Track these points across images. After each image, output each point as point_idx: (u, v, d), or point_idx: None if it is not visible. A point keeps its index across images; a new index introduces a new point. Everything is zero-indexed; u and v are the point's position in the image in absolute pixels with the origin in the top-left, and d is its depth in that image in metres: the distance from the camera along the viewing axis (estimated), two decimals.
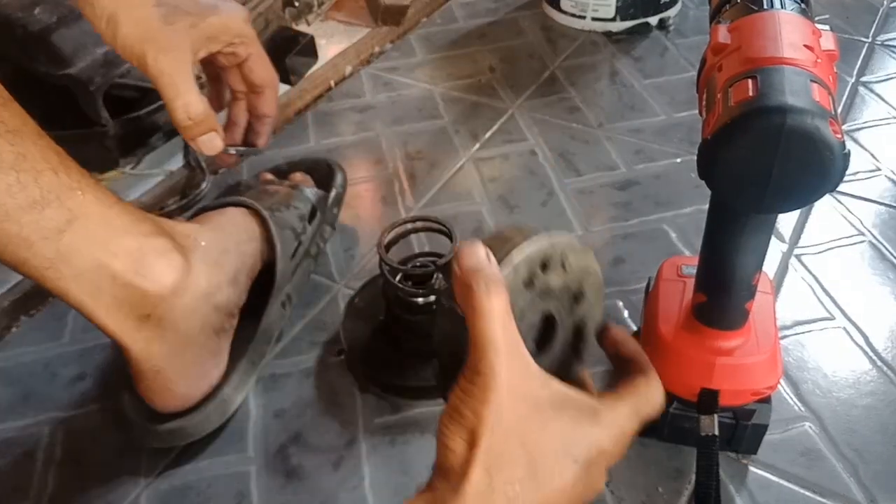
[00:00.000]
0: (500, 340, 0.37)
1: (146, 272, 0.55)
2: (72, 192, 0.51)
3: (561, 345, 0.47)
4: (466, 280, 0.38)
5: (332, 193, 0.80)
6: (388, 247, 0.64)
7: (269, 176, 0.79)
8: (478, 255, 0.39)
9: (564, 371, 0.48)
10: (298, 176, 0.80)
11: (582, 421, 0.40)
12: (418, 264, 0.66)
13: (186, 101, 0.59)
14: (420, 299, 0.64)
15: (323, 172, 0.82)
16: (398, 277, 0.64)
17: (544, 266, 0.45)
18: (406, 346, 0.67)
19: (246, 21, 0.64)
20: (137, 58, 0.57)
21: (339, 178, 0.82)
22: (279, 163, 0.85)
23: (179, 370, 0.60)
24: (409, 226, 0.68)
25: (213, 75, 0.71)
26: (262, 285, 0.68)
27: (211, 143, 0.63)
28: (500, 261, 0.42)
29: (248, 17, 0.64)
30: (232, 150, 0.71)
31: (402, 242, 0.68)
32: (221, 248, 0.62)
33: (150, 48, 0.56)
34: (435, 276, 0.64)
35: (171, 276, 0.57)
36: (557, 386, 0.41)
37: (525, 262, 0.44)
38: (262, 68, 0.67)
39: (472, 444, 0.37)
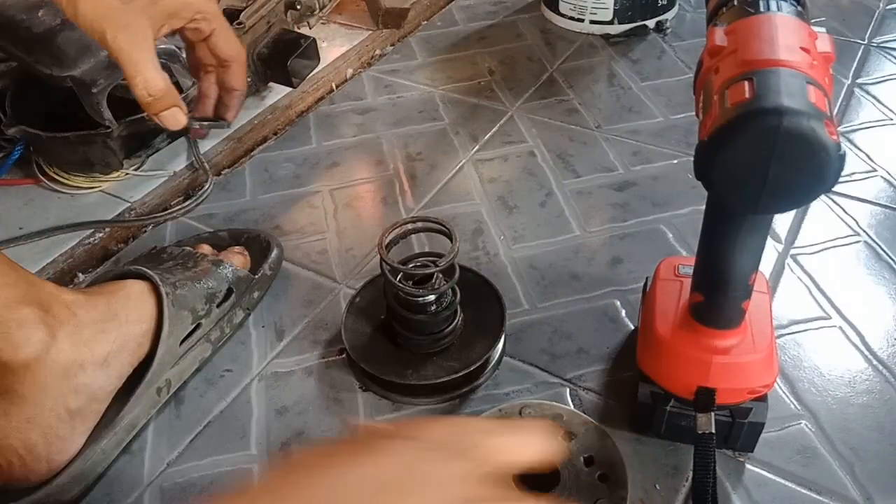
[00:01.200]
0: None
1: (0, 341, 0.53)
2: None
3: (572, 476, 0.57)
4: None
5: (257, 275, 0.74)
6: (388, 247, 0.65)
7: (205, 247, 0.74)
8: None
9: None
10: (236, 250, 0.75)
11: None
12: (419, 264, 0.67)
13: (145, 77, 0.58)
14: (420, 299, 0.65)
15: (261, 247, 0.78)
16: (399, 277, 0.65)
17: None
18: (406, 345, 0.68)
19: None
20: (98, 35, 0.56)
21: (272, 256, 0.77)
22: (221, 231, 0.81)
23: (20, 447, 0.56)
24: (410, 226, 0.68)
25: (190, 45, 0.70)
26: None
27: (174, 119, 0.61)
28: None
29: None
30: (197, 125, 0.69)
31: (402, 242, 0.69)
32: (99, 327, 0.59)
33: (109, 26, 0.55)
34: (435, 276, 0.65)
35: (27, 349, 0.54)
36: None
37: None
38: (226, 43, 0.66)
39: None
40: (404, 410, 0.67)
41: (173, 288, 0.65)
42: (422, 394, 0.67)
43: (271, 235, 0.80)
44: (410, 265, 0.67)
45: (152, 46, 0.58)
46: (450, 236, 0.65)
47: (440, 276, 0.65)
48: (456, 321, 0.68)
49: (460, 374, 0.66)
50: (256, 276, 0.74)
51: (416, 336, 0.67)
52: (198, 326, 0.67)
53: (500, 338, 0.69)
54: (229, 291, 0.71)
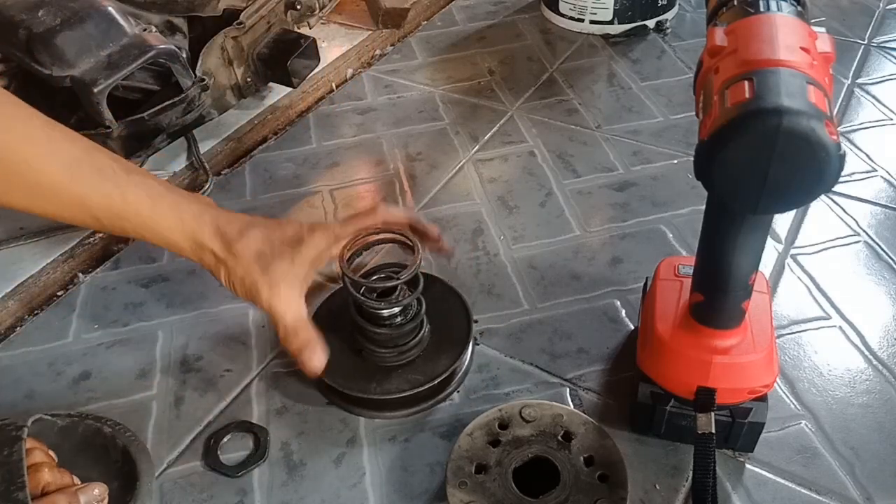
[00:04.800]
0: None
1: None
2: None
3: (572, 476, 0.57)
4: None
5: None
6: (350, 260, 0.63)
7: (43, 472, 0.55)
8: None
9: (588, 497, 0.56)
10: (87, 497, 0.56)
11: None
12: (382, 276, 0.66)
13: (285, 325, 0.61)
14: (384, 311, 0.64)
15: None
16: (362, 290, 0.64)
17: (504, 426, 0.59)
18: (370, 359, 0.67)
19: (323, 230, 0.63)
20: (251, 301, 0.62)
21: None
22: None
23: None
24: (373, 238, 0.66)
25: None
26: None
27: (310, 360, 0.62)
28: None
29: (316, 226, 0.63)
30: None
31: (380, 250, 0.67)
32: None
33: (258, 299, 0.60)
34: (399, 288, 0.64)
35: None
36: None
37: (477, 427, 0.59)
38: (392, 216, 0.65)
39: None
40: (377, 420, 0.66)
41: None
42: (384, 408, 0.66)
43: (145, 472, 0.62)
44: (374, 277, 0.66)
45: (298, 304, 0.62)
46: (412, 248, 0.63)
47: (403, 287, 0.64)
48: (421, 333, 0.67)
49: (425, 387, 0.65)
50: None
51: (381, 349, 0.66)
52: None
53: (468, 349, 0.68)
54: None
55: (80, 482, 0.56)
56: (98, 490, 0.57)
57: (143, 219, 0.58)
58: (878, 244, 0.80)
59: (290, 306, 0.61)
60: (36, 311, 0.78)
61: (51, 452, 0.58)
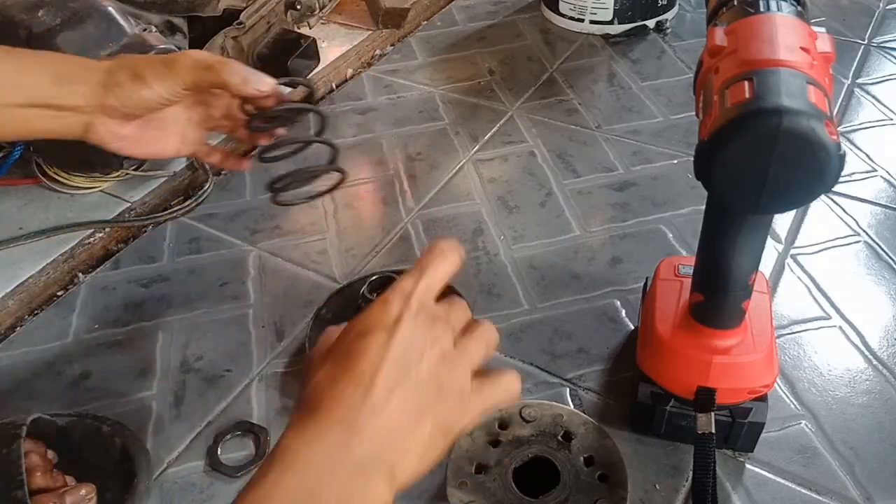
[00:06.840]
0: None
1: None
2: None
3: (572, 476, 0.57)
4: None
5: None
6: (277, 187, 0.60)
7: (36, 477, 0.55)
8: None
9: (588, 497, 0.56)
10: (73, 496, 0.56)
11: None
12: (382, 275, 0.66)
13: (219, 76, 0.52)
14: None
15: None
16: (364, 288, 0.64)
17: (504, 426, 0.59)
18: None
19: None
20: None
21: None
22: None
23: None
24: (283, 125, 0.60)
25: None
26: None
27: (259, 81, 0.53)
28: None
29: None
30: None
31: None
32: None
33: (174, 64, 0.51)
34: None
35: None
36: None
37: (477, 427, 0.59)
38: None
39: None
40: None
41: None
42: None
43: (144, 471, 0.62)
44: (373, 277, 0.66)
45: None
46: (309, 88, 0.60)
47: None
48: None
49: None
50: None
51: None
52: None
53: None
54: None
55: (75, 483, 0.56)
56: (85, 490, 0.57)
57: None
58: (878, 244, 0.80)
59: (200, 53, 0.51)
60: (36, 311, 0.78)
61: (49, 453, 0.58)
